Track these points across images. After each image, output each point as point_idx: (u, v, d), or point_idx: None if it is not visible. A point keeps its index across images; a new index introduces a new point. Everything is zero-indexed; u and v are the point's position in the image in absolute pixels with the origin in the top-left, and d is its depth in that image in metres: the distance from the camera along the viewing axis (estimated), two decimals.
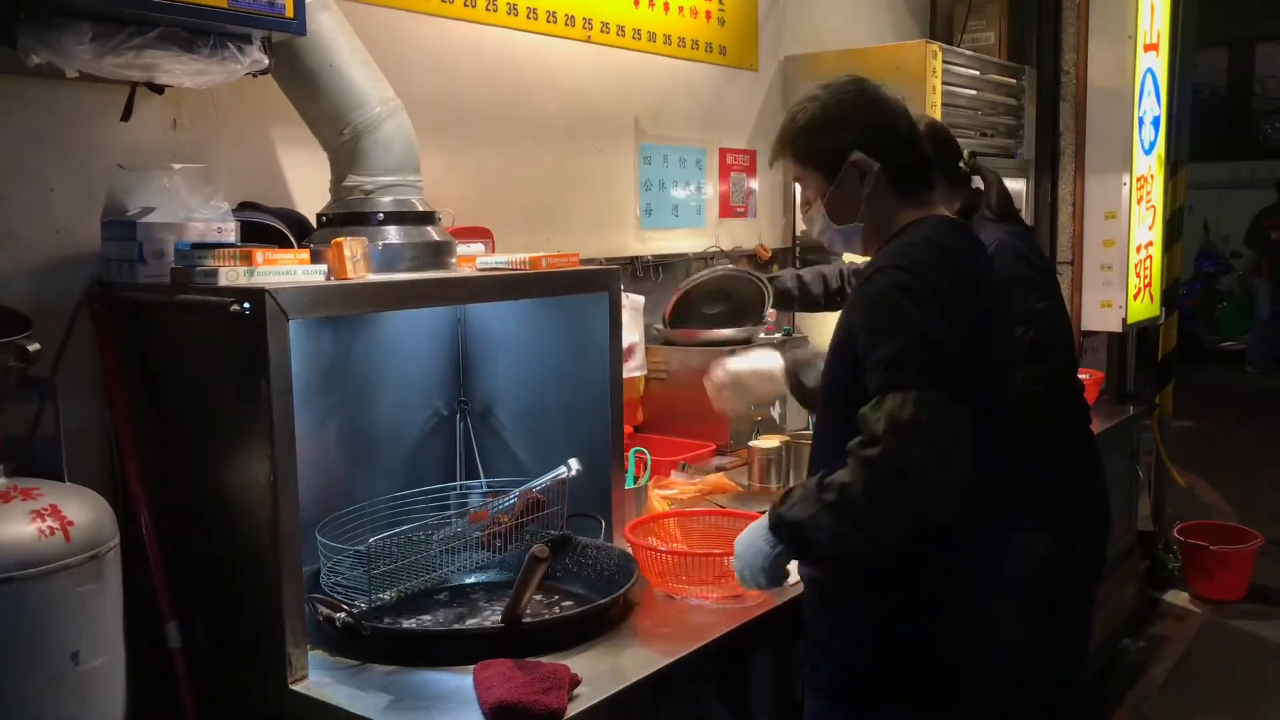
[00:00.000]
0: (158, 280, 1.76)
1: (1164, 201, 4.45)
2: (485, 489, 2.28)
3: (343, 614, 1.68)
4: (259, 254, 1.68)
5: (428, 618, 1.88)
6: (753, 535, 1.67)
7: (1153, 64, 4.19)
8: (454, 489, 2.25)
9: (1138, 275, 4.18)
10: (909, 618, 1.61)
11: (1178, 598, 4.51)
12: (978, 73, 3.76)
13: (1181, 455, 4.93)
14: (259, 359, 1.57)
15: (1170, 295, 4.59)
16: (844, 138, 1.68)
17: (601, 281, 2.14)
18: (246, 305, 1.57)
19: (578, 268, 2.12)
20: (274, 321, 1.57)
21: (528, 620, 1.71)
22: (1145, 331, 4.64)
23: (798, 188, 1.86)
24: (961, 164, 2.41)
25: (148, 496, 1.77)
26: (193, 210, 1.83)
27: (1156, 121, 4.30)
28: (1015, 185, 4.06)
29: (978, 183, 2.44)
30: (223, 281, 1.64)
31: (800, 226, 3.74)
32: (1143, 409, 4.16)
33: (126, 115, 1.80)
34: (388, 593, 1.82)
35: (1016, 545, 1.77)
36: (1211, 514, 5.23)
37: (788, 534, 1.60)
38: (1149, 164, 4.24)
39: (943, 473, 1.47)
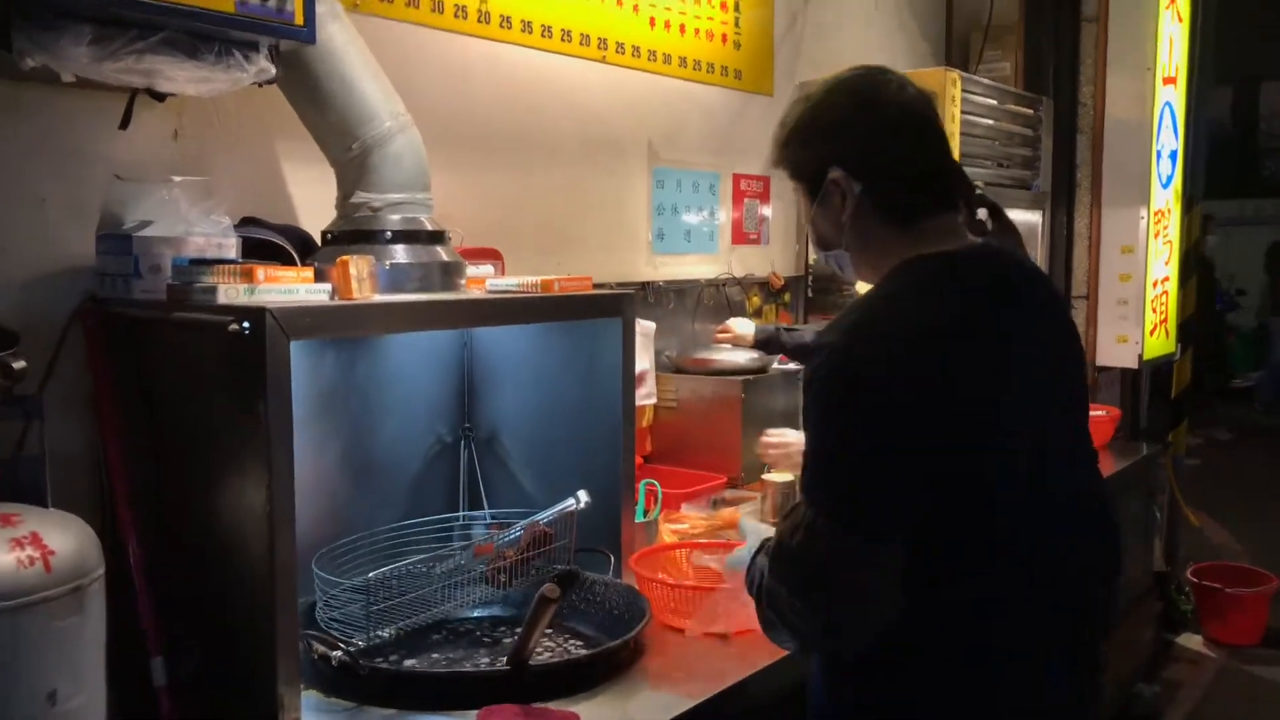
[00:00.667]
0: (153, 297, 1.68)
1: (1180, 236, 4.39)
2: (489, 520, 2.20)
3: (339, 652, 1.59)
4: (260, 271, 1.61)
5: (429, 657, 1.78)
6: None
7: (1170, 97, 4.14)
8: (457, 520, 2.16)
9: (1154, 310, 4.11)
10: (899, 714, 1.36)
11: (1191, 641, 4.41)
12: (995, 102, 3.70)
13: (1190, 493, 4.84)
14: (257, 381, 1.49)
15: (1185, 331, 4.52)
16: (827, 149, 1.43)
17: (615, 306, 2.07)
18: (246, 324, 1.49)
19: (591, 291, 2.05)
20: (274, 342, 1.49)
21: (535, 664, 1.61)
22: (1157, 369, 4.57)
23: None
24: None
25: (137, 523, 1.69)
26: (192, 224, 1.76)
27: (1174, 155, 4.25)
28: (1031, 217, 4.00)
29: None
30: (221, 299, 1.56)
31: (813, 255, 3.67)
32: (1158, 448, 4.07)
33: (125, 123, 1.72)
34: (387, 629, 1.73)
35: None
36: (1222, 554, 5.14)
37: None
38: (1166, 198, 4.18)
39: (840, 604, 1.29)
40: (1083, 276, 4.18)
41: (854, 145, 1.42)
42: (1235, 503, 6.04)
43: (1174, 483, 4.50)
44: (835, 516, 1.27)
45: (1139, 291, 4.02)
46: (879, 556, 1.27)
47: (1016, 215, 2.49)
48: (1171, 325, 4.35)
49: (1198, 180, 4.52)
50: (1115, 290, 4.05)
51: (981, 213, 1.52)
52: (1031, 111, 3.93)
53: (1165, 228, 4.20)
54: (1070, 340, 1.49)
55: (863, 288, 2.98)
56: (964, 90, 3.41)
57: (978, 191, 2.12)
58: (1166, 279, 4.25)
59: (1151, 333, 4.10)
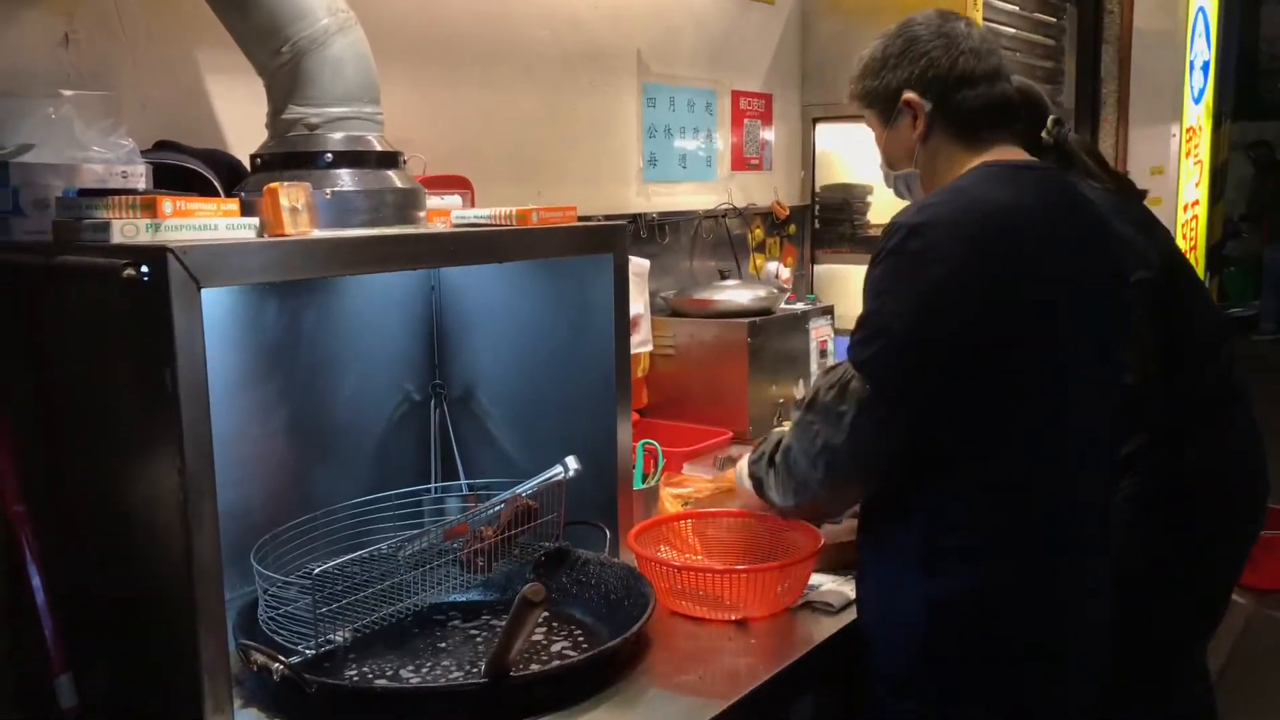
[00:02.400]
0: (39, 238, 1.38)
1: (1210, 155, 4.09)
2: (466, 491, 1.92)
3: (279, 665, 1.31)
4: (167, 203, 1.29)
5: (392, 664, 1.51)
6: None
7: (1204, 2, 3.81)
8: (429, 492, 1.88)
9: (1184, 237, 3.83)
10: (965, 606, 1.44)
11: None
12: (1018, 8, 3.37)
13: None
14: (162, 340, 1.19)
15: (1213, 258, 4.24)
16: (898, 75, 1.57)
17: (604, 240, 1.77)
18: (144, 269, 1.19)
19: (575, 224, 1.75)
20: (181, 291, 1.18)
21: (517, 674, 1.34)
22: None
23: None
24: (1044, 134, 2.07)
25: (32, 518, 1.39)
26: (88, 148, 1.45)
27: (1206, 67, 3.93)
28: None
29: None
30: (116, 238, 1.24)
31: (820, 183, 3.36)
32: None
33: None
34: (339, 632, 1.45)
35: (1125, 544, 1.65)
36: None
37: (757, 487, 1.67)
38: (1198, 114, 3.88)
39: (839, 463, 1.46)
40: None
41: (924, 68, 1.55)
42: None
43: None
44: (869, 376, 1.41)
45: (1170, 216, 3.74)
46: (896, 418, 1.41)
47: None
48: (1200, 252, 4.07)
49: (1228, 95, 4.20)
50: None
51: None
52: (1055, 20, 3.60)
53: (1196, 146, 3.90)
54: (1111, 278, 1.59)
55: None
56: None
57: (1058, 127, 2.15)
58: (1196, 202, 3.96)
59: None
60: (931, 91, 1.54)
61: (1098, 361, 1.53)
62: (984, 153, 1.53)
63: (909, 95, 1.55)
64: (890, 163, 1.65)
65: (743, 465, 1.77)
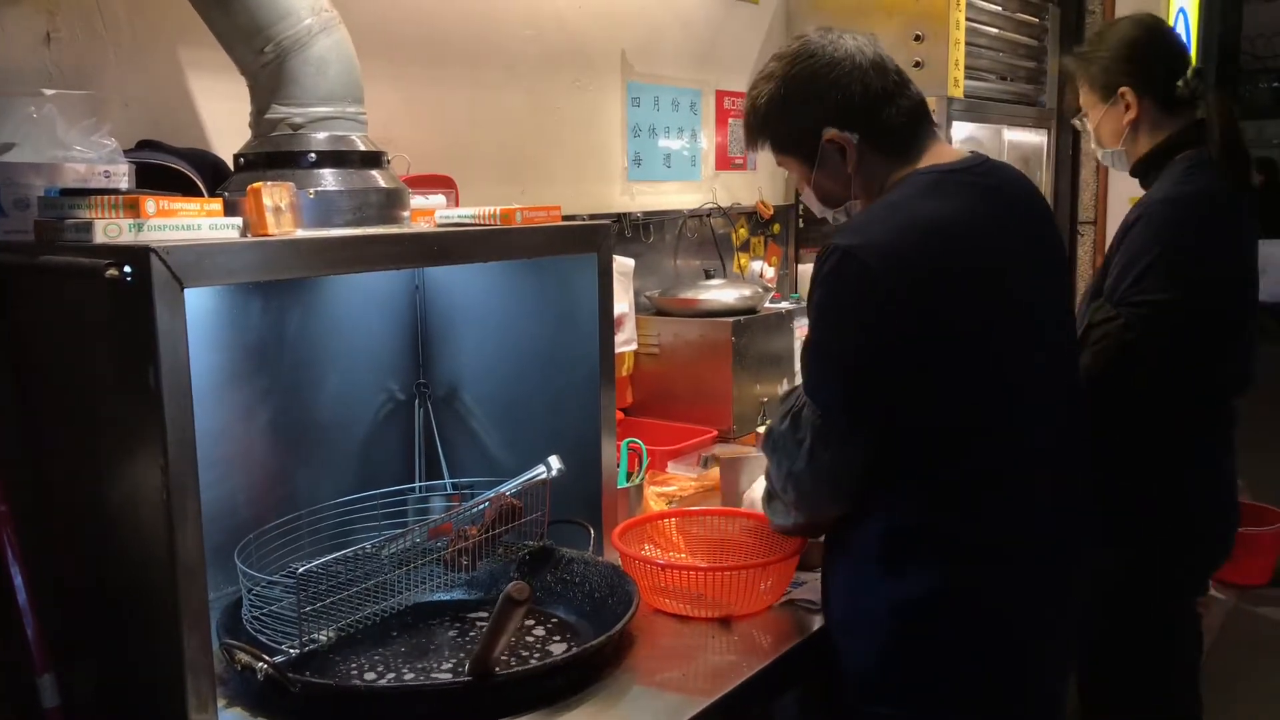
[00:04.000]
0: (21, 237, 1.37)
1: None
2: (450, 490, 1.92)
3: (263, 664, 1.31)
4: (150, 202, 1.29)
5: (376, 663, 1.51)
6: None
7: (1185, 4, 3.83)
8: (413, 491, 1.88)
9: None
10: (932, 603, 1.43)
11: None
12: (1000, 8, 3.38)
13: None
14: (145, 340, 1.19)
15: None
16: (810, 114, 1.51)
17: (589, 239, 1.77)
18: (127, 269, 1.18)
19: (560, 223, 1.75)
20: (164, 291, 1.19)
21: (502, 672, 1.34)
22: None
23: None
24: (1181, 84, 2.07)
25: (14, 517, 1.38)
26: (70, 148, 1.44)
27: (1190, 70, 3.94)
28: (1035, 137, 3.71)
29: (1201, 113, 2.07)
30: (99, 238, 1.24)
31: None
32: None
33: None
34: (324, 632, 1.45)
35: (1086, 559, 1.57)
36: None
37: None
38: None
39: (805, 487, 1.46)
40: (1090, 201, 3.91)
41: (837, 100, 1.49)
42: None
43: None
44: (820, 404, 1.41)
45: None
46: (852, 442, 1.40)
47: (1020, 134, 2.29)
48: None
49: None
50: (1124, 215, 3.76)
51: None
52: (1037, 20, 3.62)
53: None
54: (1060, 274, 1.63)
55: None
56: None
57: (1179, 84, 2.12)
58: None
59: None
60: (853, 122, 1.49)
61: (1053, 363, 1.51)
62: (916, 160, 1.50)
63: (831, 133, 1.49)
64: (826, 200, 1.59)
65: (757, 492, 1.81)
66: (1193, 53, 4.00)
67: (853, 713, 1.49)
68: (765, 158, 3.20)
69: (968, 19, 3.10)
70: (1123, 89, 2.08)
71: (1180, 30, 3.84)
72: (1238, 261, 2.03)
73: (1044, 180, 3.75)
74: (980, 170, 1.51)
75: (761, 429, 2.37)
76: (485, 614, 1.64)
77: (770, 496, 1.61)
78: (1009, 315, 1.44)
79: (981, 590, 1.43)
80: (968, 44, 3.12)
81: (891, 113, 1.49)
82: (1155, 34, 2.16)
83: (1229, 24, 12.64)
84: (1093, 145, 2.26)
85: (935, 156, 1.51)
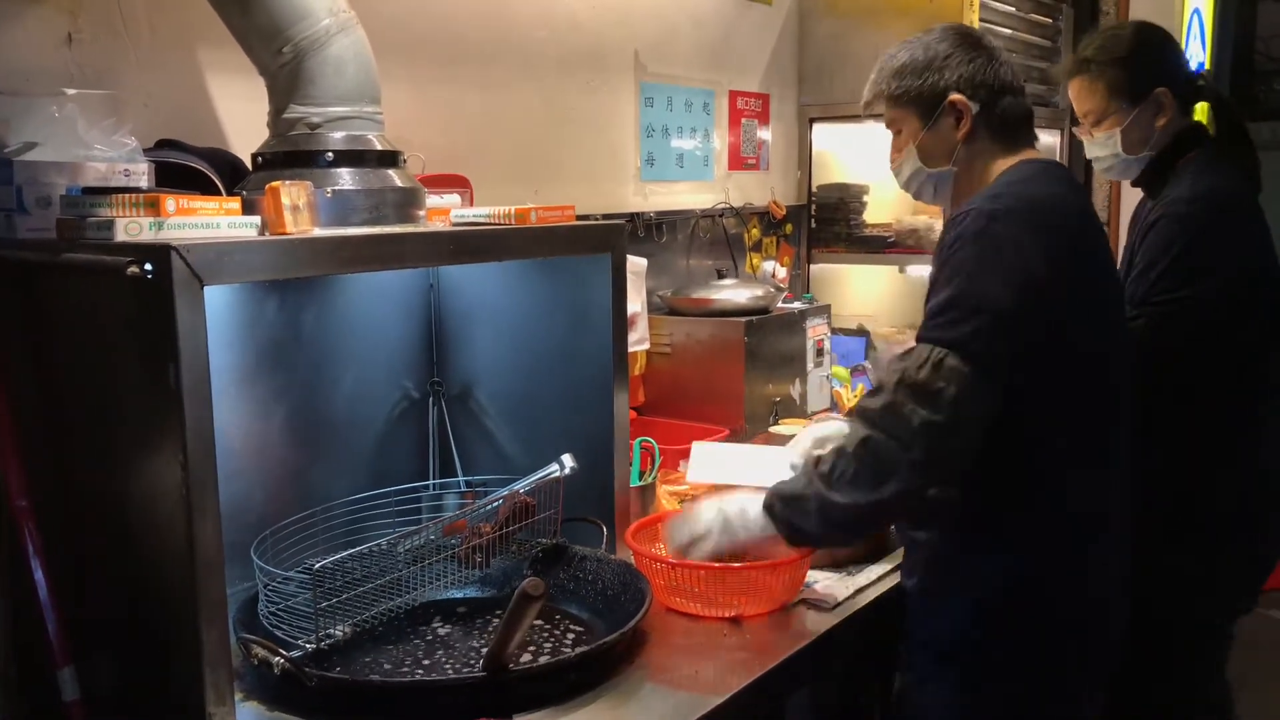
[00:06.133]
0: (43, 235, 1.38)
1: None
2: (464, 488, 1.93)
3: (280, 659, 1.33)
4: (170, 201, 1.30)
5: (392, 659, 1.52)
6: (746, 512, 1.60)
7: (1199, 4, 3.82)
8: (427, 489, 1.89)
9: None
10: (1023, 579, 1.53)
11: None
12: (1014, 9, 3.38)
13: None
14: (165, 337, 1.20)
15: None
16: (945, 77, 1.64)
17: (603, 239, 1.78)
18: (148, 267, 1.20)
19: (574, 223, 1.76)
20: (184, 288, 1.20)
21: (516, 668, 1.35)
22: None
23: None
24: (1202, 82, 2.12)
25: (35, 512, 1.40)
26: (91, 147, 1.46)
27: (1201, 68, 3.93)
28: (1048, 138, 3.70)
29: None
30: (120, 236, 1.26)
31: (816, 182, 3.37)
32: None
33: None
34: (339, 627, 1.46)
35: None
36: None
37: (780, 510, 1.56)
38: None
39: (939, 441, 1.43)
40: (1102, 202, 3.90)
41: (973, 73, 1.63)
42: None
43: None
44: (966, 353, 1.43)
45: None
46: (990, 396, 1.44)
47: None
48: None
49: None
50: (1142, 216, 3.76)
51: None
52: (1051, 21, 3.61)
53: None
54: (1116, 281, 1.76)
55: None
56: None
57: (1200, 82, 2.20)
58: None
59: None
60: (979, 95, 1.62)
61: (1127, 347, 1.67)
62: (1016, 153, 1.64)
63: (956, 96, 1.62)
64: (927, 160, 1.68)
65: (736, 506, 1.61)
66: (1207, 53, 3.99)
67: (921, 673, 1.62)
68: (778, 157, 3.23)
69: (981, 20, 3.10)
70: (1160, 90, 2.05)
71: (1194, 31, 3.83)
72: (1263, 256, 2.03)
73: None
74: (1065, 168, 1.76)
75: (775, 428, 2.37)
76: (499, 611, 1.65)
77: (845, 466, 1.47)
78: (1110, 296, 1.64)
79: (1069, 570, 1.55)
80: None
81: (1010, 103, 1.64)
82: (1169, 36, 2.17)
83: (1243, 24, 12.58)
84: (1103, 152, 2.15)
85: (1033, 153, 1.67)
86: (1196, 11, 3.83)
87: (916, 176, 1.71)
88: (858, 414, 1.51)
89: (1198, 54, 3.91)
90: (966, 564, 1.56)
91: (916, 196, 1.76)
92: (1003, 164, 1.63)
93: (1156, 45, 2.11)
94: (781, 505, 1.56)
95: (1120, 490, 1.62)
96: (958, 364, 1.42)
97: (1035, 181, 1.59)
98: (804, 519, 1.53)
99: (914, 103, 1.67)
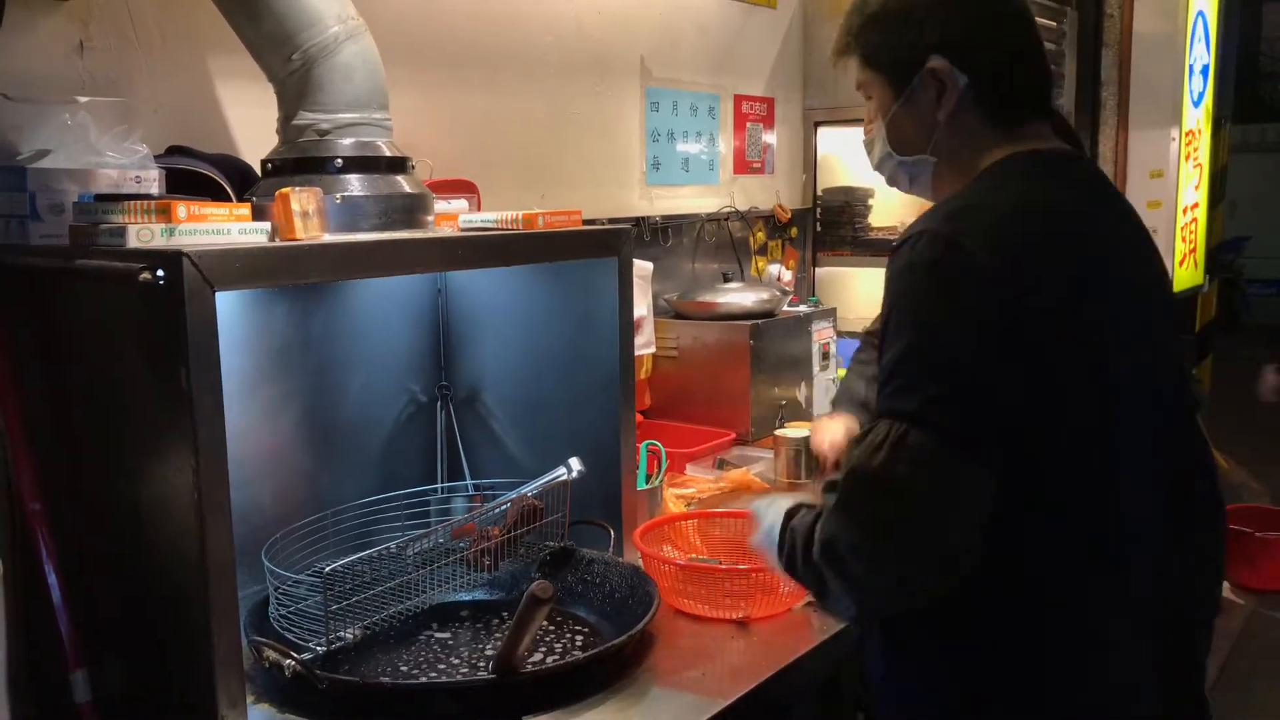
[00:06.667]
0: (55, 242, 1.40)
1: (1209, 158, 4.10)
2: (472, 491, 1.94)
3: (291, 661, 1.34)
4: (181, 207, 1.31)
5: (402, 661, 1.53)
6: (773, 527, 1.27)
7: (1204, 6, 3.83)
8: (435, 492, 1.90)
9: (1184, 240, 3.84)
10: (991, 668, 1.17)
11: None
12: None
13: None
14: (177, 342, 1.21)
15: (1212, 261, 4.25)
16: (924, 34, 1.22)
17: (609, 243, 1.79)
18: (160, 273, 1.21)
19: (581, 228, 1.77)
20: (195, 294, 1.21)
21: (525, 670, 1.36)
22: (1182, 301, 4.30)
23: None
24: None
25: (48, 516, 1.41)
26: (103, 154, 1.47)
27: (1206, 70, 3.94)
28: None
29: None
30: (132, 243, 1.27)
31: (821, 186, 3.38)
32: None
33: None
34: (350, 629, 1.47)
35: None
36: (1242, 495, 4.92)
37: (785, 551, 1.24)
38: (1197, 118, 3.89)
39: (916, 550, 1.09)
40: None
41: (961, 31, 1.22)
42: (1246, 438, 5.83)
43: (1202, 424, 4.26)
44: (931, 426, 1.07)
45: (1169, 219, 3.75)
46: (974, 481, 1.08)
47: None
48: (1200, 255, 4.08)
49: (1226, 98, 4.22)
50: (1143, 218, 3.76)
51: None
52: (1055, 24, 3.62)
53: (1196, 150, 3.92)
54: (1162, 278, 1.35)
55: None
56: None
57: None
58: (1196, 205, 3.98)
59: (1180, 263, 3.83)
60: (968, 62, 1.21)
61: (1155, 391, 1.22)
62: (1017, 140, 1.22)
63: (937, 63, 1.21)
64: (899, 143, 1.29)
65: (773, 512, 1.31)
66: (1212, 55, 3.99)
67: None
68: (783, 161, 3.24)
69: None
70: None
71: (1199, 33, 3.83)
72: None
73: None
74: (1084, 160, 1.30)
75: (781, 431, 2.37)
76: (507, 613, 1.66)
77: (812, 571, 1.17)
78: (1123, 326, 1.18)
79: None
80: None
81: (1016, 73, 1.24)
82: None
83: (1248, 26, 12.60)
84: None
85: (1038, 140, 1.24)
86: (1201, 14, 3.83)
87: (887, 162, 1.32)
88: (824, 509, 1.15)
89: (1203, 56, 3.91)
90: (915, 674, 1.23)
91: (891, 184, 1.37)
92: (996, 152, 1.22)
93: None
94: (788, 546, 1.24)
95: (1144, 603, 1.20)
96: (924, 441, 1.07)
97: (1028, 185, 1.19)
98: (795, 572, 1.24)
99: (882, 65, 1.27)
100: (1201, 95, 3.92)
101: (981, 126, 1.23)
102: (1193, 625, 1.28)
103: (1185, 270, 3.91)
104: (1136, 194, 3.82)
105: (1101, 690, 1.16)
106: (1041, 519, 1.13)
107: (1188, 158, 3.83)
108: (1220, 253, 4.68)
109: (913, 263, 1.11)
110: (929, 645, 1.20)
